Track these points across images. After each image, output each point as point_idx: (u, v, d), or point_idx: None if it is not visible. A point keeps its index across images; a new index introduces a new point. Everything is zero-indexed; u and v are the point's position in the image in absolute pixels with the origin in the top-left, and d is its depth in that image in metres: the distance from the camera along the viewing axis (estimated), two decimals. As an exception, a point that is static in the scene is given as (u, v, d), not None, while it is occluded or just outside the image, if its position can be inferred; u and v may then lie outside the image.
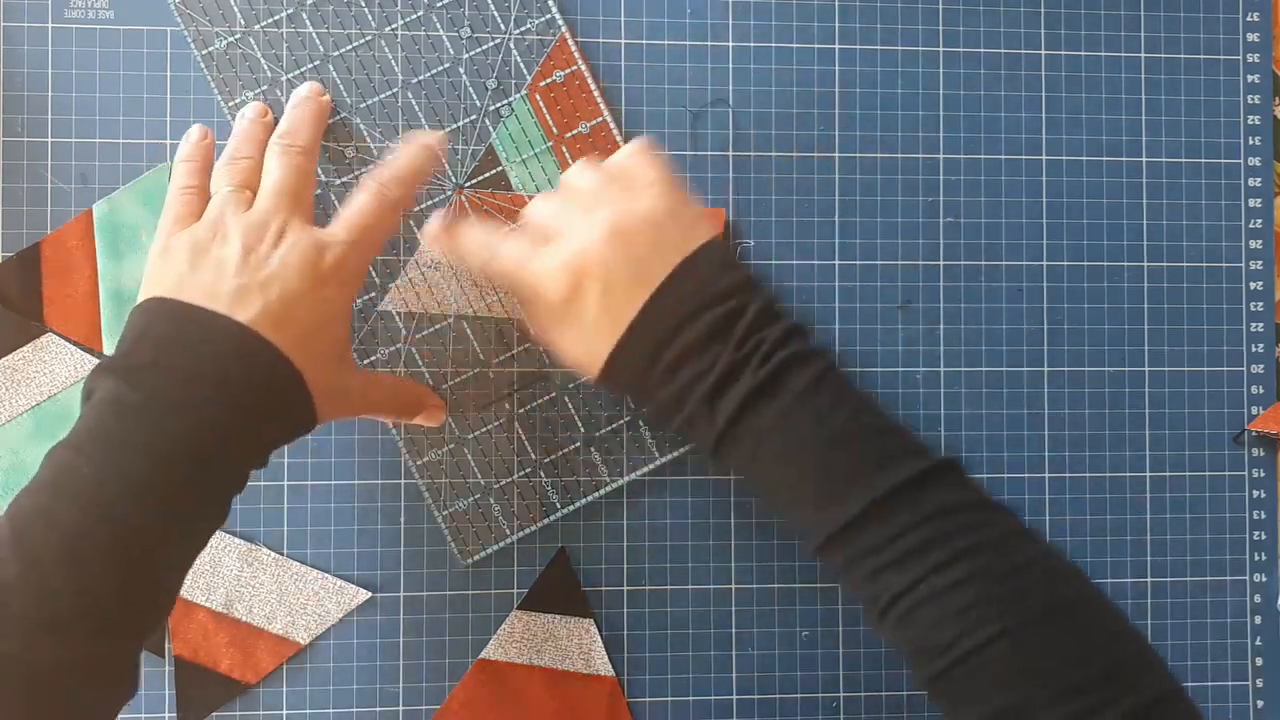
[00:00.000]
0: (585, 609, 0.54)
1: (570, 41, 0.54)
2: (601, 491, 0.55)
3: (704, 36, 0.56)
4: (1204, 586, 0.58)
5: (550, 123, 0.55)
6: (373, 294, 0.54)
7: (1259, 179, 0.58)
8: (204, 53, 0.53)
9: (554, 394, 0.55)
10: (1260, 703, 0.58)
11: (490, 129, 0.55)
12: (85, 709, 0.38)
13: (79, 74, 0.53)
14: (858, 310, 0.56)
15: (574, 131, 0.55)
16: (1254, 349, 0.58)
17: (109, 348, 0.53)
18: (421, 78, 0.54)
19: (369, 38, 0.54)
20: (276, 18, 0.53)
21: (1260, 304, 0.58)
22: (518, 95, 0.55)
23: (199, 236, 0.43)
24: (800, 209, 0.56)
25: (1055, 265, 0.57)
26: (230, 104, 0.53)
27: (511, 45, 0.55)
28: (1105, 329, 0.58)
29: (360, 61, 0.54)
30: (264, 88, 0.53)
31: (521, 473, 0.55)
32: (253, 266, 0.42)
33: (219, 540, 0.53)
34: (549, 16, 0.54)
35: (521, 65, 0.55)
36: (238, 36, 0.53)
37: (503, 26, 0.54)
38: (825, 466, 0.41)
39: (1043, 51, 0.57)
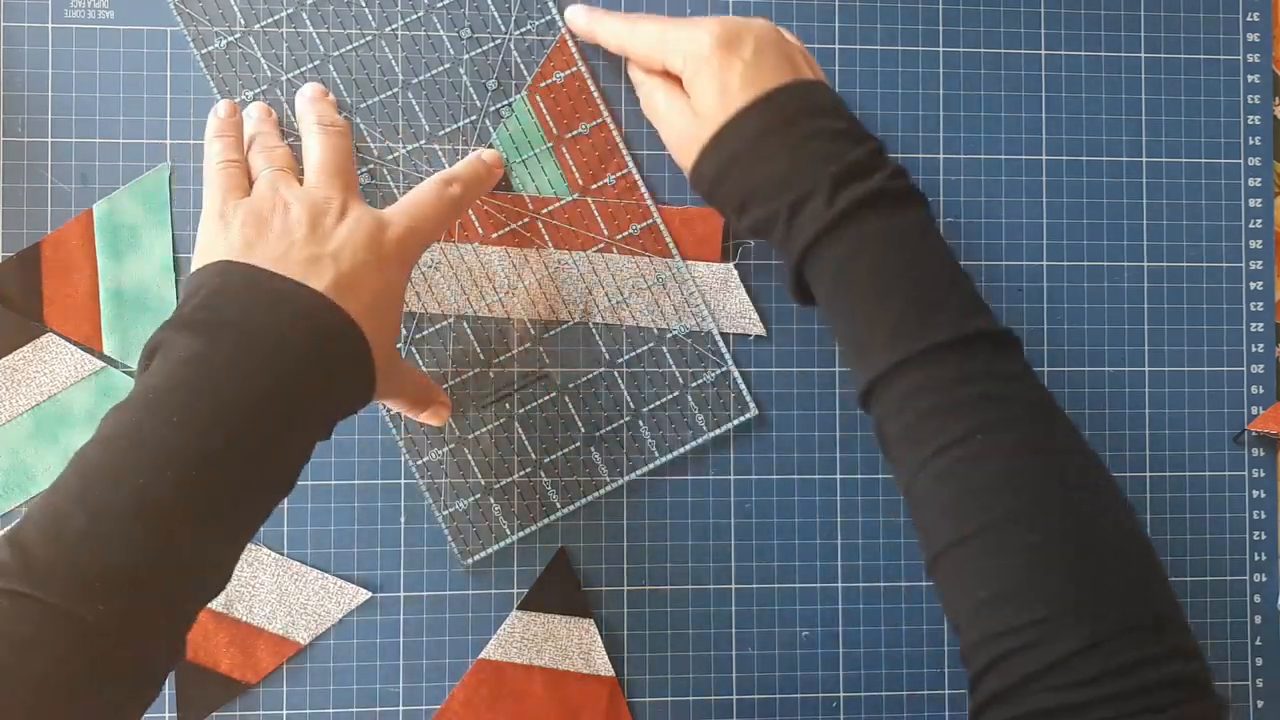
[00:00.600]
0: (585, 609, 0.54)
1: (570, 42, 0.54)
2: (601, 491, 0.55)
3: (704, 36, 0.56)
4: (1204, 586, 0.58)
5: (550, 123, 0.55)
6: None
7: (1259, 179, 0.58)
8: (204, 52, 0.53)
9: (554, 394, 0.55)
10: (1260, 703, 0.58)
11: (490, 129, 0.55)
12: (145, 670, 0.37)
13: (79, 74, 0.53)
14: (858, 310, 0.56)
15: (574, 132, 0.55)
16: (1254, 349, 0.58)
17: (109, 348, 0.53)
18: (421, 78, 0.54)
19: (369, 38, 0.54)
20: (276, 18, 0.53)
21: (1260, 304, 0.58)
22: (518, 96, 0.55)
23: (258, 207, 0.43)
24: (800, 209, 0.56)
25: (1055, 265, 0.57)
26: (230, 104, 0.53)
27: (512, 46, 0.55)
28: (1105, 329, 0.58)
29: (360, 61, 0.54)
30: (264, 88, 0.53)
31: (521, 473, 0.55)
32: (320, 238, 0.42)
33: (219, 540, 0.53)
34: (549, 17, 0.54)
35: (521, 66, 0.55)
36: (238, 36, 0.53)
37: (503, 27, 0.54)
38: (916, 295, 0.42)
39: (1043, 51, 0.57)
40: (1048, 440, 0.41)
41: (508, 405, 0.55)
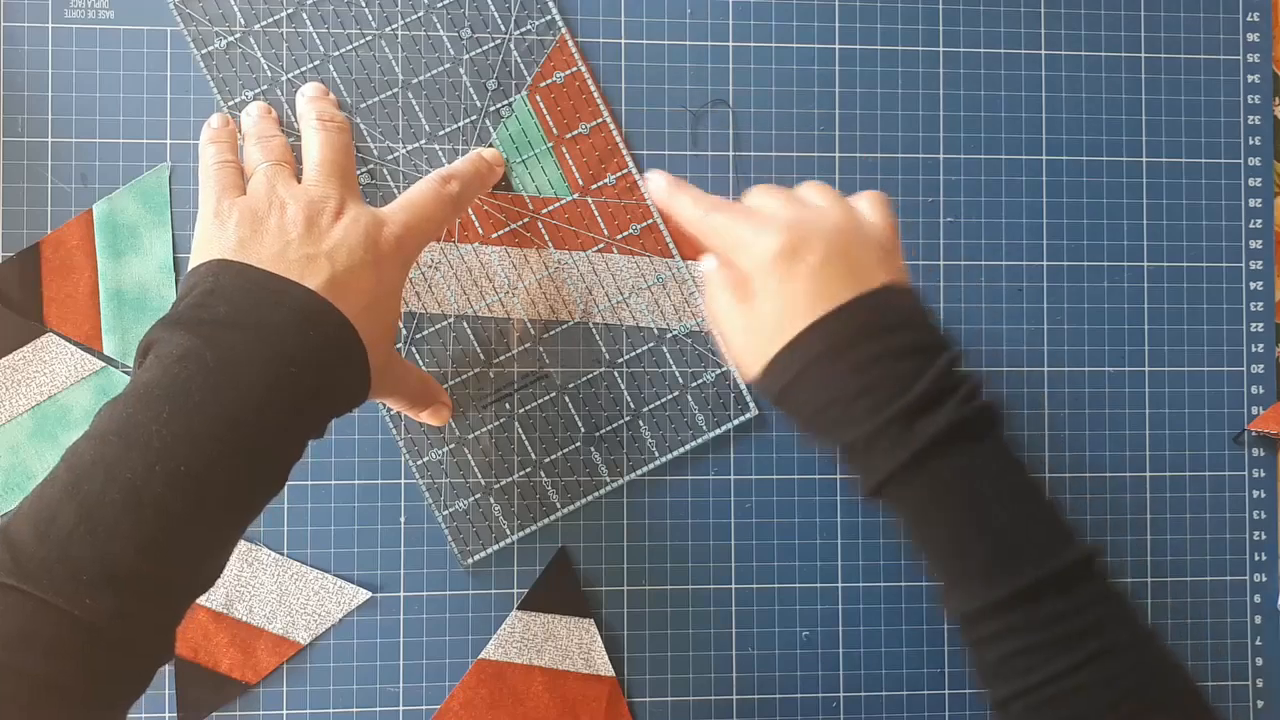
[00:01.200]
0: (585, 609, 0.54)
1: (570, 42, 0.55)
2: (601, 491, 0.55)
3: (704, 36, 0.56)
4: (1204, 586, 0.58)
5: (550, 123, 0.55)
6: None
7: (1259, 179, 0.58)
8: (204, 52, 0.53)
9: (554, 394, 0.55)
10: (1260, 703, 0.58)
11: (490, 129, 0.55)
12: (134, 666, 0.37)
13: (79, 74, 0.53)
14: (858, 310, 0.56)
15: (574, 132, 0.55)
16: (1254, 349, 0.58)
17: (109, 348, 0.53)
18: (421, 78, 0.54)
19: (369, 38, 0.54)
20: (276, 18, 0.53)
21: (1260, 304, 0.58)
22: (518, 96, 0.55)
23: (254, 205, 0.43)
24: (800, 209, 0.56)
25: (1055, 265, 0.57)
26: (230, 104, 0.53)
27: (512, 46, 0.55)
28: (1105, 329, 0.58)
29: (360, 61, 0.54)
30: (264, 88, 0.53)
31: (521, 473, 0.55)
32: (315, 237, 0.42)
33: (219, 540, 0.53)
34: (549, 17, 0.54)
35: (522, 66, 0.55)
36: (238, 36, 0.53)
37: (503, 27, 0.54)
38: (1005, 529, 0.40)
39: (1043, 51, 0.57)
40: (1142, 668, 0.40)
41: (508, 405, 0.55)
